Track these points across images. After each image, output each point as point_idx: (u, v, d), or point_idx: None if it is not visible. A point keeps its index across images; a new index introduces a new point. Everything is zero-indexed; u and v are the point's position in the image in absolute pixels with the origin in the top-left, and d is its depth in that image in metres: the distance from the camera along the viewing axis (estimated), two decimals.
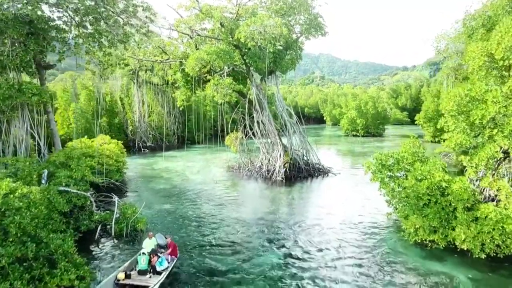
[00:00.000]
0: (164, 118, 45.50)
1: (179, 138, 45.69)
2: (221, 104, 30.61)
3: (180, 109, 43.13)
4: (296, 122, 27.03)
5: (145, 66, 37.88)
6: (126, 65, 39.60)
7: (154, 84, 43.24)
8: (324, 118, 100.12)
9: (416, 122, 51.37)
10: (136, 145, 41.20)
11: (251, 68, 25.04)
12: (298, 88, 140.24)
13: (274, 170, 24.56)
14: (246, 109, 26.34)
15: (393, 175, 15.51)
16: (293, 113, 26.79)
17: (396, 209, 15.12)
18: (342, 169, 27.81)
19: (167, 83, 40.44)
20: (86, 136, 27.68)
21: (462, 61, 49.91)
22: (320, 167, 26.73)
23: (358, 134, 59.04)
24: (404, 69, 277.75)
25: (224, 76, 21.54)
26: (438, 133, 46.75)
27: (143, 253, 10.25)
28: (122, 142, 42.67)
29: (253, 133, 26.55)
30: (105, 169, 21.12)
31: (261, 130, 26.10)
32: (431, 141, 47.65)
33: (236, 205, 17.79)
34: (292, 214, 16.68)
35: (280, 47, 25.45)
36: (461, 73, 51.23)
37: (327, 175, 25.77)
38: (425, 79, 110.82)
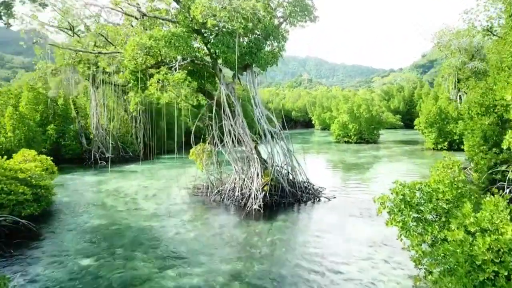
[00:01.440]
0: (128, 124, 39.40)
1: (147, 147, 39.57)
2: (196, 106, 25.10)
3: (141, 112, 37.32)
4: (280, 130, 21.45)
5: (88, 60, 31.75)
6: (80, 61, 33.55)
7: (115, 84, 37.10)
8: (313, 122, 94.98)
9: (415, 128, 46.32)
10: (93, 156, 34.99)
11: (218, 61, 19.40)
12: (286, 91, 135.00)
13: (250, 194, 18.84)
14: (213, 114, 20.66)
15: (423, 218, 10.00)
16: (275, 119, 21.16)
17: (430, 273, 9.62)
18: (336, 189, 22.27)
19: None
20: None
21: (465, 58, 45.15)
22: (309, 188, 21.12)
23: (350, 140, 53.82)
24: (391, 71, 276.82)
25: (175, 69, 15.63)
26: (441, 140, 41.74)
27: None
28: (77, 153, 37.39)
29: (223, 145, 20.86)
30: (12, 199, 15.30)
31: (233, 142, 20.43)
32: (433, 149, 42.59)
33: (187, 265, 11.95)
34: (271, 279, 10.94)
35: (257, 34, 19.91)
36: (465, 72, 46.50)
37: (319, 200, 20.17)
38: (418, 80, 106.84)
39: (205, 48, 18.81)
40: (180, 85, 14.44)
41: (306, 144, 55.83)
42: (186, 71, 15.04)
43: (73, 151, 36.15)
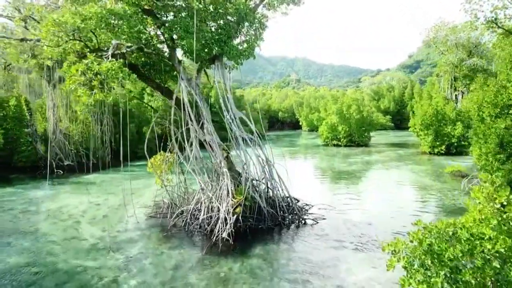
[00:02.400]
0: (92, 127, 35.16)
1: (114, 153, 35.33)
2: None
3: (108, 113, 33.26)
4: (258, 136, 17.80)
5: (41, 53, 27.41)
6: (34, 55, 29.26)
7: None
8: (300, 123, 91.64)
9: (410, 130, 43.16)
10: (48, 164, 30.63)
11: (177, 50, 15.60)
12: (273, 91, 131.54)
13: (217, 219, 15.05)
14: (173, 117, 16.86)
15: (463, 281, 6.41)
16: (252, 123, 17.48)
17: None
18: (325, 206, 18.65)
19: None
20: None
21: (463, 54, 42.14)
22: (292, 207, 17.44)
23: (340, 143, 50.46)
24: (379, 71, 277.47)
25: (107, 58, 11.64)
26: (438, 143, 38.57)
27: None
28: (31, 160, 33.02)
29: (185, 157, 17.04)
30: None
31: (198, 151, 16.64)
32: (430, 153, 39.42)
33: None
34: None
35: (228, 19, 16.18)
36: (462, 70, 43.51)
37: (304, 223, 16.50)
38: (408, 80, 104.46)
39: (159, 33, 14.95)
40: (112, 78, 10.54)
41: (292, 147, 52.28)
42: (122, 61, 11.19)
43: (26, 159, 31.77)
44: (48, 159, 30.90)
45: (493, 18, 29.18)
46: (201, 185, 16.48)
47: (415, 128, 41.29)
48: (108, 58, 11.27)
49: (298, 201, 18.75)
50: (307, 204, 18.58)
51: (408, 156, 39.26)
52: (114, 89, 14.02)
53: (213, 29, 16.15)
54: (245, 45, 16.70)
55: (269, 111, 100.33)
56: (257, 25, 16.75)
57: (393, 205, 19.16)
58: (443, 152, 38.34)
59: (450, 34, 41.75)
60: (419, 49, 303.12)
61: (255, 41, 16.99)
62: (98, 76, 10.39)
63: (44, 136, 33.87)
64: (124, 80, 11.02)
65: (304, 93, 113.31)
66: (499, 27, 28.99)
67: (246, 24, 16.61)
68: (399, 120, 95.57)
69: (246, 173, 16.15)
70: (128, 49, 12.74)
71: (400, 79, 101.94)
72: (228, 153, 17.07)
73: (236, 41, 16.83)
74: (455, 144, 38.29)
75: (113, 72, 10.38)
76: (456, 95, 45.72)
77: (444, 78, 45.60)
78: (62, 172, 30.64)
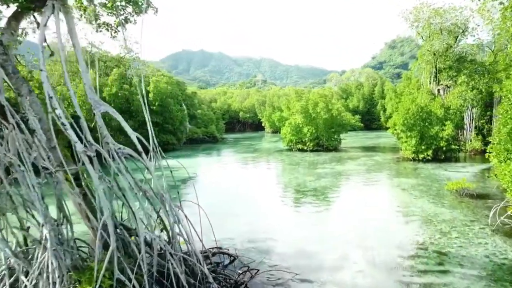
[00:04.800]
0: None
1: None
2: None
3: None
4: (158, 151, 9.37)
5: None
6: None
7: None
8: (263, 124, 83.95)
9: (389, 131, 36.12)
10: None
11: None
12: (234, 90, 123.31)
13: None
14: None
15: None
16: (104, 128, 8.94)
17: None
18: (283, 258, 10.58)
19: None
20: None
21: (450, 40, 35.66)
22: (219, 271, 9.14)
23: (305, 147, 42.86)
24: (343, 73, 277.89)
25: None
26: (423, 147, 31.65)
27: None
28: None
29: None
30: None
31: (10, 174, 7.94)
32: (413, 159, 32.43)
33: None
34: None
35: None
36: (447, 60, 37.04)
37: None
38: (378, 76, 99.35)
39: None
40: None
41: (250, 153, 44.16)
42: None
43: None
44: None
45: None
46: (6, 253, 7.78)
47: (395, 129, 34.23)
48: None
49: (233, 256, 10.53)
50: (249, 259, 10.40)
51: (388, 164, 32.10)
52: None
53: None
54: None
55: (229, 111, 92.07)
56: None
57: (392, 271, 11.21)
58: (429, 158, 31.50)
59: (434, 16, 35.10)
60: (382, 51, 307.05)
61: None
62: None
63: None
64: None
65: (267, 91, 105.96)
66: None
67: None
68: (369, 120, 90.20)
69: (99, 207, 7.63)
70: None
71: (369, 75, 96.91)
72: (80, 180, 8.47)
73: None
74: (444, 148, 31.54)
75: None
76: (439, 89, 39.29)
77: (425, 70, 39.03)
78: None
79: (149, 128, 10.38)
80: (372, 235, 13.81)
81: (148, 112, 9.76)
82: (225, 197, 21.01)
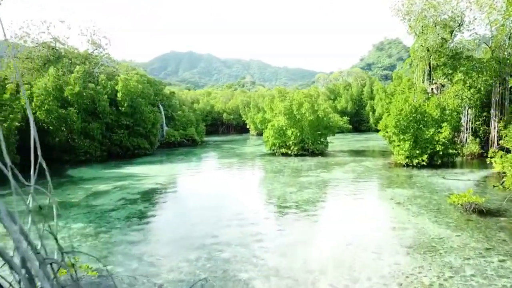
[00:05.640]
0: None
1: None
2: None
3: None
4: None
5: None
6: None
7: None
8: (248, 126, 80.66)
9: (380, 134, 33.14)
10: None
11: None
12: (218, 90, 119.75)
13: None
14: None
15: None
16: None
17: None
18: None
19: None
20: None
21: (446, 34, 32.93)
22: None
23: (289, 152, 39.68)
24: (331, 74, 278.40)
25: None
26: (417, 152, 28.83)
27: None
28: None
29: None
30: None
31: None
32: (407, 165, 29.56)
33: None
34: None
35: None
36: (441, 56, 34.33)
37: None
38: (367, 76, 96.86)
39: None
40: None
41: (230, 158, 40.82)
42: None
43: None
44: None
45: None
46: None
47: (386, 132, 31.27)
48: None
49: None
50: None
51: (379, 170, 29.10)
52: None
53: None
54: None
55: (212, 112, 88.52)
56: None
57: None
58: (425, 163, 28.61)
59: (428, 8, 32.30)
60: (370, 53, 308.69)
61: None
62: None
63: None
64: None
65: (252, 92, 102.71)
66: None
67: None
68: (358, 122, 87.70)
69: None
70: None
71: (358, 75, 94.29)
72: None
73: None
74: (441, 152, 28.67)
75: None
76: (432, 88, 36.55)
77: (418, 67, 36.24)
78: None
79: (32, 135, 6.66)
80: (359, 271, 10.59)
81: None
82: (183, 217, 17.62)
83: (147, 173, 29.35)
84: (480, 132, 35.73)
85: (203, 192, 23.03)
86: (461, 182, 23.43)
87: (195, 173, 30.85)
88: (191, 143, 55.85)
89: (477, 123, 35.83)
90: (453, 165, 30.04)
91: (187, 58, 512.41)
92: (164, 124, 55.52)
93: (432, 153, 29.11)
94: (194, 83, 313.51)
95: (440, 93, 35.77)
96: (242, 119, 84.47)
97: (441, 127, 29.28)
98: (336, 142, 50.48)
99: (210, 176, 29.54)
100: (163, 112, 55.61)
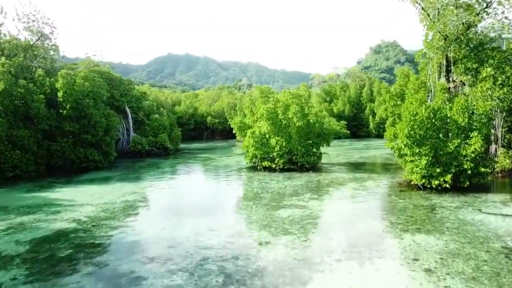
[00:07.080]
0: None
1: None
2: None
3: None
4: None
5: None
6: None
7: None
8: (234, 132, 73.53)
9: (386, 144, 26.04)
10: None
11: None
12: (203, 91, 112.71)
13: None
14: None
15: None
16: None
17: None
18: None
19: None
20: None
21: (472, 17, 26.15)
22: None
23: (273, 165, 32.50)
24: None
25: None
26: (438, 170, 21.80)
27: None
28: None
29: None
30: None
31: None
32: (423, 186, 22.52)
33: None
34: None
35: None
36: (462, 47, 27.42)
37: None
38: (366, 77, 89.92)
39: None
40: None
41: (200, 174, 33.57)
42: None
43: None
44: None
45: None
46: None
47: (396, 144, 24.18)
48: None
49: None
50: None
51: (388, 195, 22.05)
52: None
53: None
54: None
55: (195, 115, 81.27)
56: None
57: None
58: (448, 185, 21.58)
59: None
60: (367, 55, 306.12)
61: None
62: None
63: None
64: None
65: (239, 93, 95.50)
66: None
67: None
68: (356, 127, 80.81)
69: None
70: None
71: (357, 75, 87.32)
72: None
73: None
74: (469, 171, 21.67)
75: None
76: (449, 87, 29.59)
77: (433, 62, 29.29)
78: None
79: None
80: None
81: None
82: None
83: (75, 200, 22.02)
84: (505, 141, 28.90)
85: (136, 238, 15.68)
86: (508, 219, 16.44)
87: (143, 196, 23.38)
88: (162, 152, 48.52)
89: (502, 130, 28.99)
90: (484, 188, 23.07)
91: (184, 60, 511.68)
92: (132, 130, 48.24)
93: (457, 172, 22.12)
94: (191, 86, 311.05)
95: (460, 93, 28.86)
96: (228, 123, 77.47)
97: (468, 137, 22.30)
98: (331, 151, 43.34)
99: (161, 205, 22.32)
100: (130, 116, 48.34)
